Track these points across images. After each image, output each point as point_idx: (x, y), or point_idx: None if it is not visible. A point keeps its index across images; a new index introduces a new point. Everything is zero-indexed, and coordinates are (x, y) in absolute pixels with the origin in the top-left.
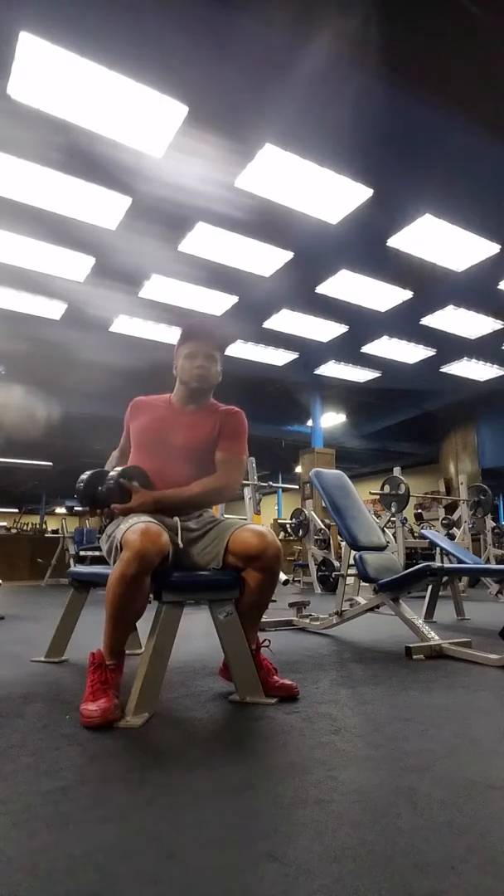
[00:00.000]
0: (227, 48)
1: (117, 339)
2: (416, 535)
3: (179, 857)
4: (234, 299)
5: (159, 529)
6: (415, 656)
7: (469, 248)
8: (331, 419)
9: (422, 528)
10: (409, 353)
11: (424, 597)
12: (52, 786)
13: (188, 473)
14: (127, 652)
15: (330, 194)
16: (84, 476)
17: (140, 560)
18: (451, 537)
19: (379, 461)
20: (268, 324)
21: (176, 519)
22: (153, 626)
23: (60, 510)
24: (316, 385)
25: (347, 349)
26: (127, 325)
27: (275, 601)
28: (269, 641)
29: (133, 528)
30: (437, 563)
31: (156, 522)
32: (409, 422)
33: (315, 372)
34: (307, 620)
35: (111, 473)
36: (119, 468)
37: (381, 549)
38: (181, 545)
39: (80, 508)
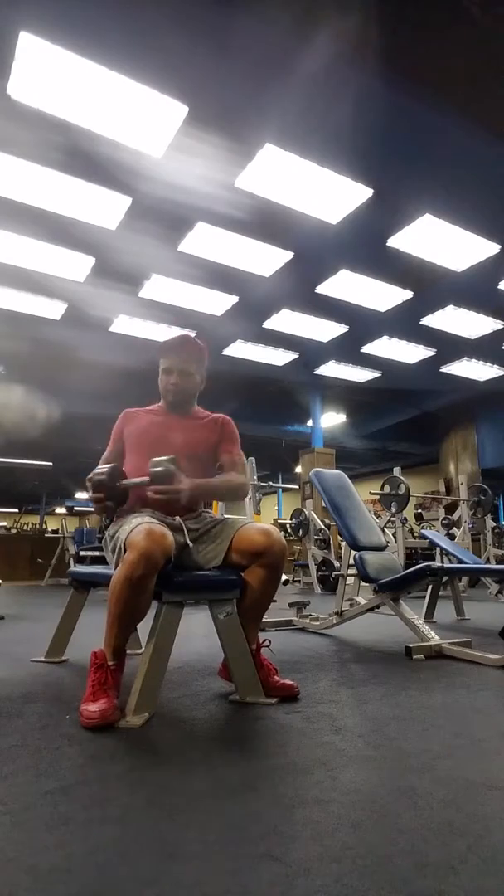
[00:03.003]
0: (227, 48)
1: (117, 339)
2: (416, 535)
3: (179, 857)
4: (234, 299)
5: (164, 530)
6: (415, 656)
7: (469, 248)
8: (331, 419)
9: (422, 528)
10: (409, 353)
11: (424, 597)
12: (52, 786)
13: (187, 472)
14: (127, 652)
15: (330, 194)
16: (106, 469)
17: (146, 561)
18: (451, 537)
19: (379, 461)
20: (268, 324)
21: (178, 519)
22: (153, 626)
23: (60, 510)
24: (316, 385)
25: (347, 349)
26: (127, 325)
27: (275, 601)
28: (270, 641)
29: (137, 529)
30: (437, 563)
31: (159, 523)
32: (409, 422)
33: (315, 372)
34: (307, 620)
35: (159, 459)
36: (166, 456)
37: (381, 549)
38: (190, 545)
39: (92, 500)
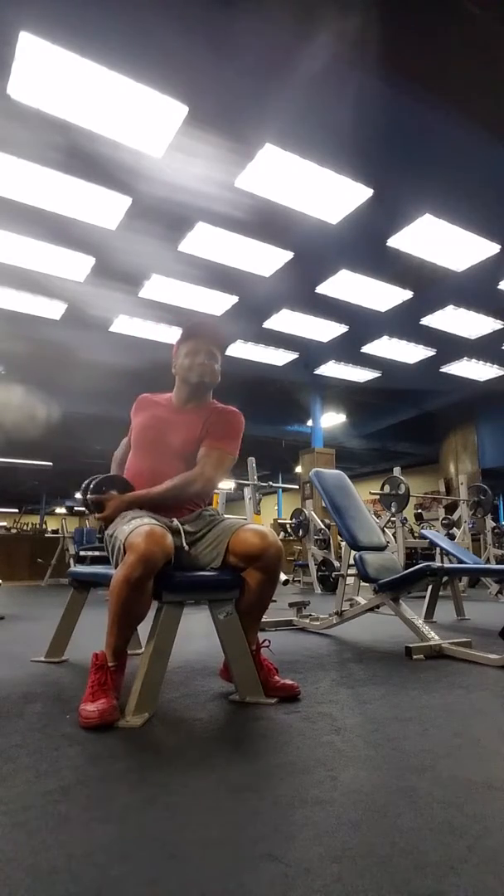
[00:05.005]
0: (227, 48)
1: (117, 339)
2: (416, 535)
3: (179, 857)
4: (234, 299)
5: (164, 531)
6: (415, 656)
7: (469, 248)
8: (331, 419)
9: (422, 528)
10: (409, 353)
11: (424, 597)
12: (52, 786)
13: (184, 472)
14: (128, 652)
15: (330, 194)
16: (91, 484)
17: (145, 563)
18: (451, 537)
19: (379, 461)
20: (268, 324)
21: (176, 522)
22: (153, 626)
23: (60, 510)
24: (316, 385)
25: (347, 349)
26: (127, 325)
27: (275, 601)
28: (269, 641)
29: (137, 530)
30: (437, 563)
31: (158, 524)
32: (409, 422)
33: (315, 372)
34: (307, 620)
35: (86, 484)
36: (97, 478)
37: (381, 549)
38: (186, 548)
39: (80, 509)
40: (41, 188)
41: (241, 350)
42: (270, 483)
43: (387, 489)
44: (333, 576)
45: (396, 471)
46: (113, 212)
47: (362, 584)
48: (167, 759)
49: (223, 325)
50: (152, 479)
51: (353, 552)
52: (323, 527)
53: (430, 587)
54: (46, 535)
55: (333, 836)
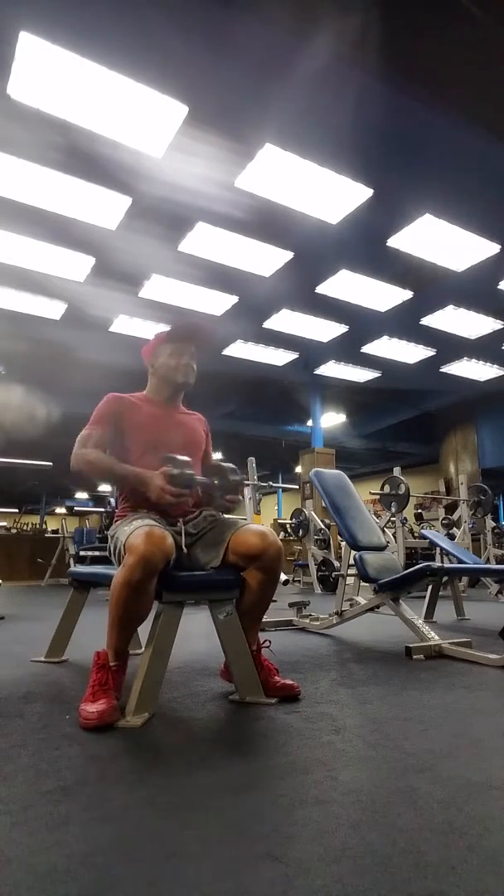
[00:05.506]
0: (227, 48)
1: (117, 339)
2: (416, 535)
3: (179, 857)
4: (234, 299)
5: (163, 532)
6: (415, 656)
7: (469, 248)
8: (331, 419)
9: (422, 528)
10: (409, 353)
11: (424, 597)
12: (52, 786)
13: None
14: (129, 652)
15: (330, 194)
16: (188, 462)
17: (145, 565)
18: (451, 537)
19: (379, 461)
20: (268, 324)
21: (180, 524)
22: (153, 627)
23: (60, 510)
24: (316, 385)
25: (347, 349)
26: (127, 325)
27: (275, 601)
28: (270, 642)
29: (137, 531)
30: (437, 563)
31: (159, 525)
32: (409, 422)
33: (315, 372)
34: (307, 620)
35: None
36: (187, 458)
37: (381, 549)
38: (185, 551)
39: (173, 495)
40: (41, 188)
41: (241, 350)
42: (270, 483)
43: (387, 489)
44: (333, 576)
45: (396, 471)
46: (113, 212)
47: (362, 584)
48: (167, 759)
49: (220, 325)
50: None
51: (353, 552)
52: (323, 527)
53: (430, 587)
54: (46, 535)
55: (333, 836)
